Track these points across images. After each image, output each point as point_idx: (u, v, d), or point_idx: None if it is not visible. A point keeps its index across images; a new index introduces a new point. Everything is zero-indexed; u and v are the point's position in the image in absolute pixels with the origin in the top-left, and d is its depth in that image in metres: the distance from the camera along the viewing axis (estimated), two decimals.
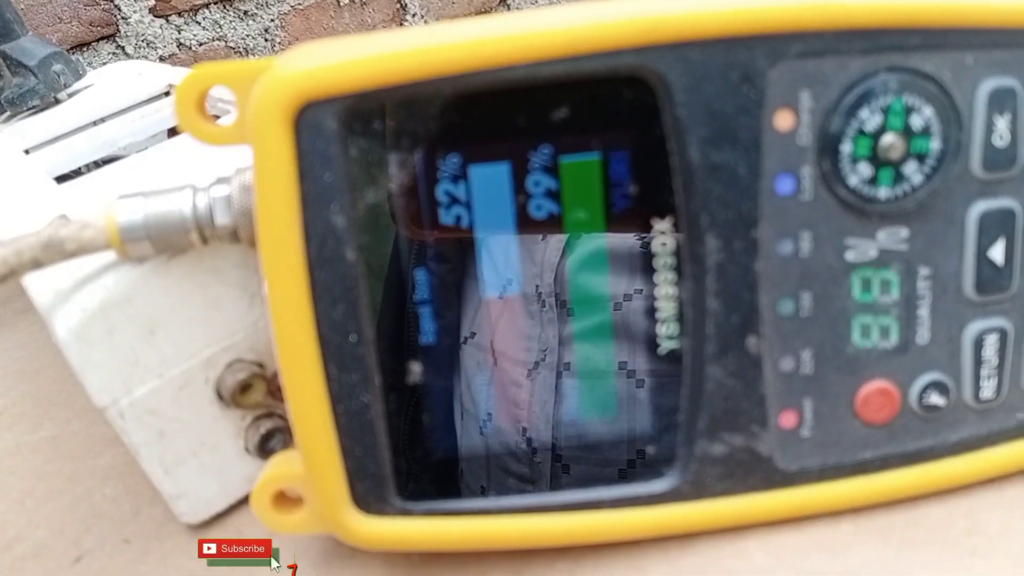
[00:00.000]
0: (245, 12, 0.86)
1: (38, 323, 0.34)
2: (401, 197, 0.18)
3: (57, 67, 0.39)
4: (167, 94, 0.37)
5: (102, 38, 0.74)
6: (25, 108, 0.39)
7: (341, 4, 0.95)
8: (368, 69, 0.17)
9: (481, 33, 0.17)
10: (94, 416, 0.28)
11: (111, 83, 0.40)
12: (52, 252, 0.20)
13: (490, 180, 0.18)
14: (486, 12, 1.18)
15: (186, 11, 0.80)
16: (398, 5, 1.03)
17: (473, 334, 0.22)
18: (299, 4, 0.91)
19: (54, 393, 0.30)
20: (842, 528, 0.20)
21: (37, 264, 0.20)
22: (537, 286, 0.21)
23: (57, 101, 0.39)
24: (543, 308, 0.21)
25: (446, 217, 0.18)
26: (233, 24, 0.85)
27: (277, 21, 0.89)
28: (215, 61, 0.17)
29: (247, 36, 0.86)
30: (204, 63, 0.18)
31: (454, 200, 0.18)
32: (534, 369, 0.22)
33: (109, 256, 0.20)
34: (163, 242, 0.20)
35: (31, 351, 0.33)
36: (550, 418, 0.21)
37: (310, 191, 0.17)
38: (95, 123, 0.36)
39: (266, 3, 0.88)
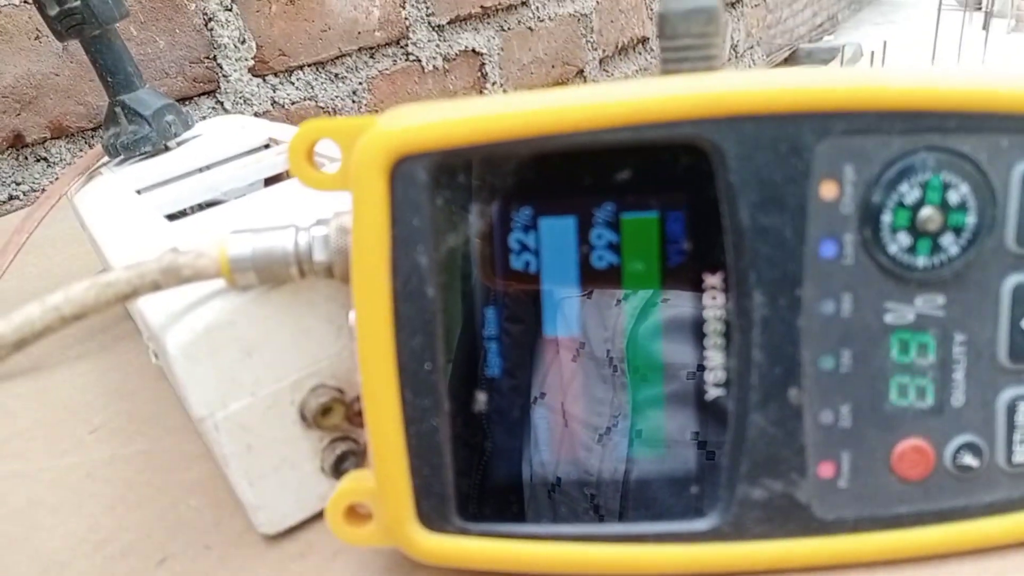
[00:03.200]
0: (336, 75, 0.91)
1: (134, 349, 0.38)
2: (478, 242, 0.20)
3: (169, 117, 0.43)
4: (267, 147, 0.41)
5: (203, 93, 0.80)
6: (138, 153, 0.43)
7: (425, 71, 1.00)
8: (456, 130, 0.19)
9: (556, 102, 0.19)
10: (183, 434, 0.31)
11: (216, 134, 0.44)
12: (170, 277, 0.22)
13: (558, 231, 0.20)
14: (562, 83, 1.23)
15: (282, 72, 0.86)
16: (479, 74, 1.08)
17: (543, 394, 0.23)
18: (386, 69, 0.96)
19: (147, 413, 0.33)
20: None
21: (156, 287, 0.22)
22: (608, 351, 0.22)
23: (167, 148, 0.43)
24: (615, 373, 0.22)
25: (516, 263, 0.20)
26: (324, 86, 0.90)
27: (365, 84, 0.94)
28: (316, 118, 0.20)
29: (336, 97, 0.91)
30: (314, 119, 0.21)
31: (524, 247, 0.20)
32: (605, 434, 0.23)
33: (218, 284, 0.23)
34: (267, 273, 0.22)
35: (127, 374, 0.36)
36: (619, 486, 0.23)
37: (400, 233, 0.19)
38: (201, 170, 0.39)
39: (355, 67, 0.93)
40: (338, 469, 0.25)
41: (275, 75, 0.85)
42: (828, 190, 0.19)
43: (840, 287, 0.20)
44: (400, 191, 0.19)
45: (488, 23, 1.08)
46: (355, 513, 0.22)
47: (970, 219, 0.19)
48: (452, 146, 0.19)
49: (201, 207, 0.38)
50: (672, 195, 0.20)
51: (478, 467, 0.21)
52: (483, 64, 1.09)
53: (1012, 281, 0.20)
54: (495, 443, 0.21)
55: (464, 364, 0.21)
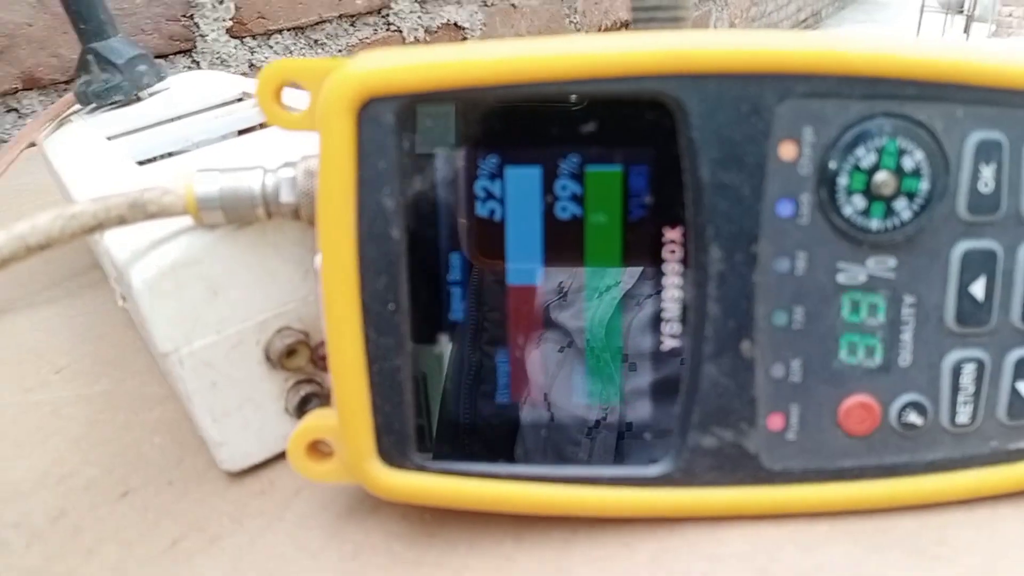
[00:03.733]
0: (315, 41, 0.90)
1: (103, 296, 0.38)
2: (443, 188, 0.21)
3: (142, 67, 0.42)
4: (240, 100, 0.41)
5: (179, 52, 0.79)
6: (109, 102, 0.42)
7: (406, 42, 1.00)
8: (424, 74, 0.19)
9: (525, 51, 0.19)
10: (148, 376, 0.31)
11: (189, 87, 0.44)
12: (136, 211, 0.22)
13: (523, 181, 0.21)
14: None
15: (260, 34, 0.85)
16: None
17: (505, 338, 0.23)
18: (366, 38, 0.96)
19: (113, 355, 0.33)
20: (818, 528, 0.21)
21: (122, 221, 0.22)
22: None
23: (139, 99, 0.43)
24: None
25: (481, 209, 0.21)
26: (303, 51, 0.89)
27: (344, 52, 0.94)
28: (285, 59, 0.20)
29: None
30: (283, 59, 0.21)
31: (490, 195, 0.21)
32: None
33: (185, 222, 0.23)
34: (234, 213, 0.22)
35: (94, 318, 0.36)
36: (582, 428, 0.23)
37: (366, 176, 0.20)
38: (172, 120, 0.39)
39: (336, 35, 0.93)
40: (302, 411, 0.25)
41: (253, 37, 0.85)
42: (787, 151, 0.20)
43: (795, 246, 0.20)
44: (367, 133, 0.20)
45: None
46: (317, 450, 0.22)
47: (923, 185, 0.20)
48: (419, 90, 0.19)
49: (172, 156, 0.38)
50: (636, 150, 0.21)
51: (439, 407, 0.22)
52: (465, 39, 1.09)
53: (961, 247, 0.20)
54: (456, 384, 0.22)
55: (428, 307, 0.21)
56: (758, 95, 0.19)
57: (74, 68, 0.44)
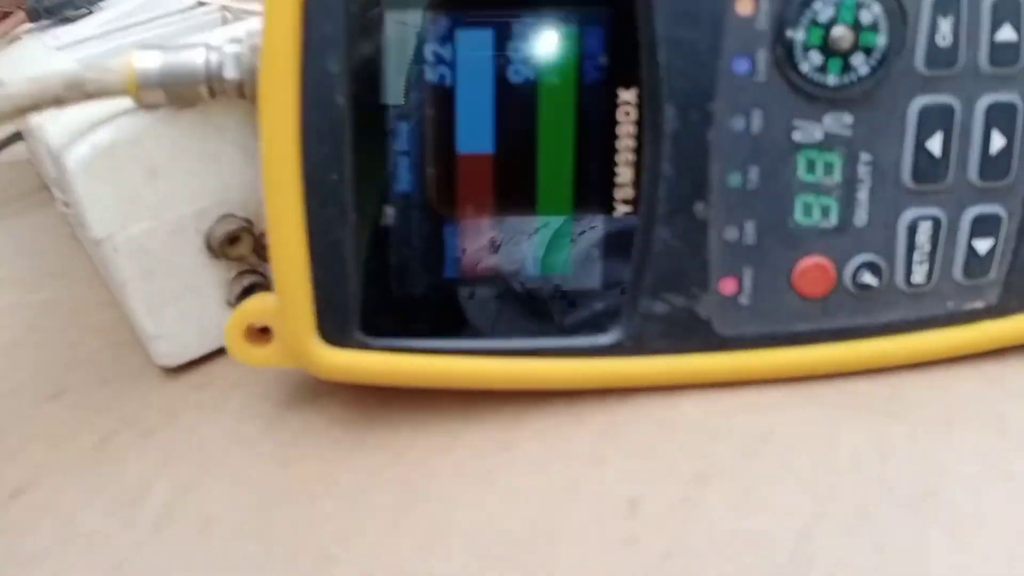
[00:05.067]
0: None
1: (49, 214, 0.36)
2: (391, 52, 0.20)
3: None
4: (201, 4, 0.39)
5: None
6: (61, 16, 0.41)
7: None
8: None
9: None
10: (90, 284, 0.30)
11: None
12: (73, 91, 0.21)
13: (474, 43, 0.20)
14: None
15: None
16: None
17: (455, 211, 0.22)
18: None
19: (56, 267, 0.32)
20: (772, 393, 0.22)
21: (59, 101, 0.21)
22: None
23: (91, 12, 0.41)
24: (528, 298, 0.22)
25: (431, 75, 0.20)
26: None
27: None
28: None
29: None
30: None
31: (440, 59, 0.20)
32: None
33: (125, 104, 0.22)
34: (175, 92, 0.21)
35: (39, 234, 0.35)
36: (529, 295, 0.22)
37: (311, 38, 0.19)
38: (125, 28, 0.37)
39: None
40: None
41: None
42: (744, 5, 0.19)
43: (751, 103, 0.20)
44: None
45: None
46: (256, 334, 0.22)
47: (881, 40, 0.19)
48: None
49: None
50: (591, 9, 0.20)
51: (383, 282, 0.21)
52: None
53: (919, 103, 0.20)
54: (402, 258, 0.21)
55: (374, 178, 0.20)
56: None
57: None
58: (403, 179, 0.21)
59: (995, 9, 0.20)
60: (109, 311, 0.28)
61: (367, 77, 0.20)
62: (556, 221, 0.21)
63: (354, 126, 0.19)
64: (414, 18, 0.20)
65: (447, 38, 0.20)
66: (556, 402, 0.22)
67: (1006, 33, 0.20)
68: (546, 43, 0.20)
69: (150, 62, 0.21)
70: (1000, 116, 0.20)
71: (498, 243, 0.21)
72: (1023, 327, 0.22)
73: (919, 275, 0.21)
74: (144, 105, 0.22)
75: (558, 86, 0.20)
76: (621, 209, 0.21)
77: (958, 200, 0.21)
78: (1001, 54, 0.20)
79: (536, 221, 0.21)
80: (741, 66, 0.20)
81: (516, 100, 0.20)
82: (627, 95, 0.20)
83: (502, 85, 0.20)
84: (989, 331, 0.22)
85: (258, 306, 0.22)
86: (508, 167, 0.21)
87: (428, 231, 0.21)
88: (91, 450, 0.22)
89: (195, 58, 0.21)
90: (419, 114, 0.20)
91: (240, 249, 0.24)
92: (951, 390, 0.21)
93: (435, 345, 0.21)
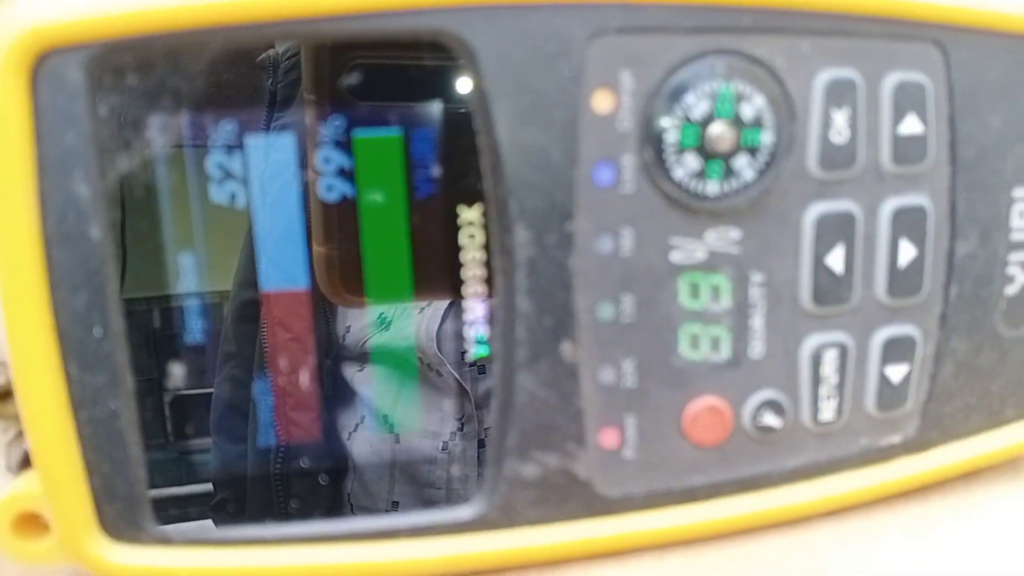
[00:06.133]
0: None
1: None
2: (161, 167, 0.16)
3: None
4: None
5: None
6: None
7: None
8: (122, 14, 0.14)
9: None
10: None
11: None
12: None
13: (271, 153, 0.16)
14: None
15: None
16: None
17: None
18: None
19: None
20: (670, 562, 0.18)
21: None
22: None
23: None
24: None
25: (218, 195, 0.16)
26: None
27: None
28: None
29: None
30: None
31: (227, 174, 0.16)
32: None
33: None
34: None
35: None
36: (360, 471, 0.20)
37: (48, 155, 0.15)
38: None
39: None
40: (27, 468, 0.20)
41: None
42: (602, 102, 0.16)
43: (619, 220, 0.16)
44: (45, 97, 0.14)
45: None
46: (31, 523, 0.17)
47: (766, 138, 0.16)
48: (117, 35, 0.14)
49: None
50: (418, 109, 0.16)
51: (179, 457, 0.17)
52: None
53: (815, 211, 0.17)
54: (203, 428, 0.17)
55: (153, 329, 0.16)
56: (565, 31, 0.15)
57: None
58: (193, 328, 0.16)
59: (896, 97, 0.17)
60: None
61: (132, 197, 0.15)
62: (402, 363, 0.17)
63: (120, 265, 0.15)
64: (187, 123, 0.16)
65: (234, 146, 0.16)
66: None
67: (911, 125, 0.17)
68: (363, 151, 0.16)
69: None
70: (908, 222, 0.18)
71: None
72: (945, 462, 0.19)
73: (828, 411, 0.18)
74: None
75: (383, 204, 0.16)
76: (476, 352, 0.17)
77: (866, 322, 0.18)
78: (906, 149, 0.17)
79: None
80: (604, 176, 0.16)
81: (332, 222, 0.16)
82: (470, 214, 0.16)
83: (314, 206, 0.16)
84: (909, 469, 0.19)
85: (28, 490, 0.17)
86: (328, 305, 0.17)
87: (233, 391, 0.17)
88: None
89: None
90: (208, 247, 0.16)
91: (15, 406, 0.19)
92: (872, 548, 0.18)
93: (255, 534, 0.17)
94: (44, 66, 0.14)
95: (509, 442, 0.17)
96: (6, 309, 0.15)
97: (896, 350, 0.18)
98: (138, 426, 0.16)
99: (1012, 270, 0.18)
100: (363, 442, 0.20)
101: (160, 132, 0.16)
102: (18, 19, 0.14)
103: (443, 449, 0.20)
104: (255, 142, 0.16)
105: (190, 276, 0.16)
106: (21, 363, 0.15)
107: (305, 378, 0.17)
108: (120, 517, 0.16)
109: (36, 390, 0.15)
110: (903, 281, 0.18)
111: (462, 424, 0.20)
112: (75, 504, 0.16)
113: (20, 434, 0.20)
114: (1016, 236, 0.18)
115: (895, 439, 0.19)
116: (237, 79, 0.16)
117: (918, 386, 0.18)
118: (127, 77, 0.15)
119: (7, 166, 0.14)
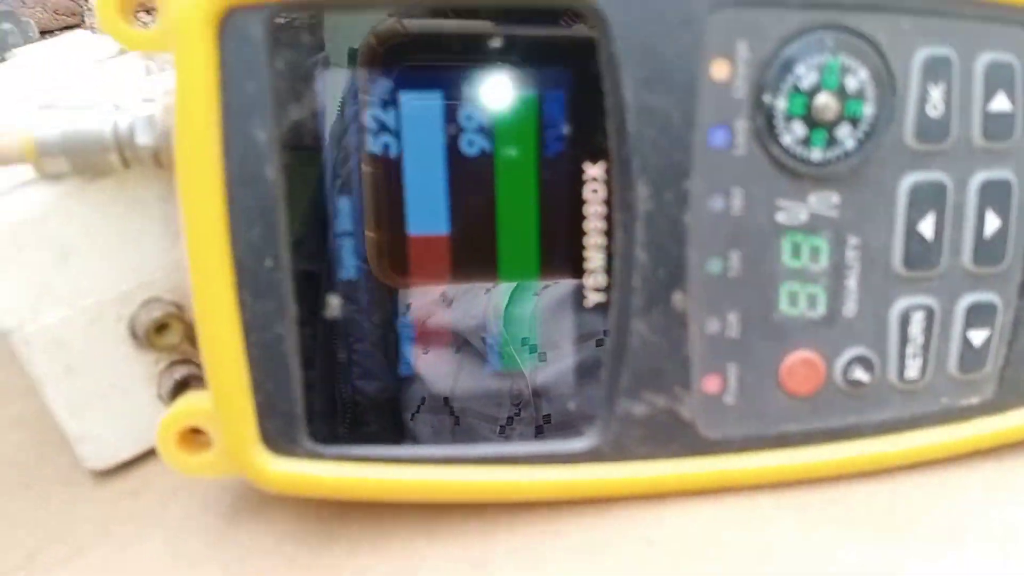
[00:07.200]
0: None
1: None
2: (328, 118, 0.18)
3: (6, 26, 0.38)
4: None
5: (66, 27, 0.73)
6: None
7: None
8: None
9: None
10: (8, 368, 0.27)
11: (61, 47, 0.39)
12: None
13: (422, 110, 0.18)
14: None
15: (153, 9, 0.80)
16: None
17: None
18: None
19: None
20: (761, 502, 0.19)
21: None
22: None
23: (3, 59, 0.38)
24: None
25: (374, 145, 0.18)
26: None
27: None
28: None
29: None
30: None
31: (383, 127, 0.18)
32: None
33: (28, 173, 0.20)
34: (81, 160, 0.19)
35: None
36: (505, 400, 0.21)
37: (232, 103, 0.17)
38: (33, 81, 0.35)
39: None
40: (177, 396, 0.22)
41: (147, 12, 0.79)
42: (720, 70, 0.17)
43: (730, 181, 0.18)
44: (231, 51, 0.16)
45: None
46: (192, 439, 0.19)
47: (868, 109, 0.18)
48: None
49: None
50: (552, 72, 0.18)
51: (332, 381, 0.19)
52: None
53: (909, 180, 0.18)
54: (353, 355, 0.19)
55: (315, 263, 0.18)
56: (688, 3, 0.17)
57: None
58: (348, 264, 0.18)
59: (988, 75, 0.18)
60: (29, 400, 0.25)
61: (302, 146, 0.17)
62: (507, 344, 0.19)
63: (289, 203, 0.17)
64: (353, 78, 0.17)
65: (390, 102, 0.18)
66: (530, 514, 0.19)
67: (1000, 103, 0.18)
68: (502, 110, 0.18)
69: (50, 126, 0.19)
70: (994, 195, 0.19)
71: (450, 298, 0.19)
72: (1020, 423, 0.20)
73: (913, 370, 0.19)
74: (46, 175, 0.19)
75: (517, 159, 0.18)
76: (593, 298, 0.19)
77: (952, 287, 0.19)
78: (995, 126, 0.18)
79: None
80: (718, 139, 0.18)
81: (471, 174, 0.18)
82: (594, 170, 0.18)
83: (454, 157, 0.18)
84: (986, 429, 0.20)
85: (192, 407, 0.19)
86: (465, 249, 0.18)
87: (379, 323, 0.19)
88: (15, 570, 0.19)
89: (100, 121, 0.19)
90: (363, 190, 0.18)
91: (170, 338, 0.21)
92: (951, 499, 0.19)
93: (394, 453, 0.18)
94: (230, 22, 0.16)
95: (622, 382, 0.18)
96: (190, 241, 0.17)
97: (978, 316, 0.19)
98: (299, 351, 0.18)
99: None
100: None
101: (327, 86, 0.18)
102: None
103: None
104: (408, 98, 0.18)
105: (347, 217, 0.18)
106: (202, 290, 0.17)
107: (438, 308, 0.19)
108: (280, 432, 0.18)
109: (214, 314, 0.17)
110: (988, 250, 0.19)
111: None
112: (242, 418, 0.18)
113: (171, 364, 0.22)
114: None
115: (973, 400, 0.20)
116: (395, 41, 0.18)
117: (997, 351, 0.20)
118: (301, 35, 0.17)
119: (197, 111, 0.17)
